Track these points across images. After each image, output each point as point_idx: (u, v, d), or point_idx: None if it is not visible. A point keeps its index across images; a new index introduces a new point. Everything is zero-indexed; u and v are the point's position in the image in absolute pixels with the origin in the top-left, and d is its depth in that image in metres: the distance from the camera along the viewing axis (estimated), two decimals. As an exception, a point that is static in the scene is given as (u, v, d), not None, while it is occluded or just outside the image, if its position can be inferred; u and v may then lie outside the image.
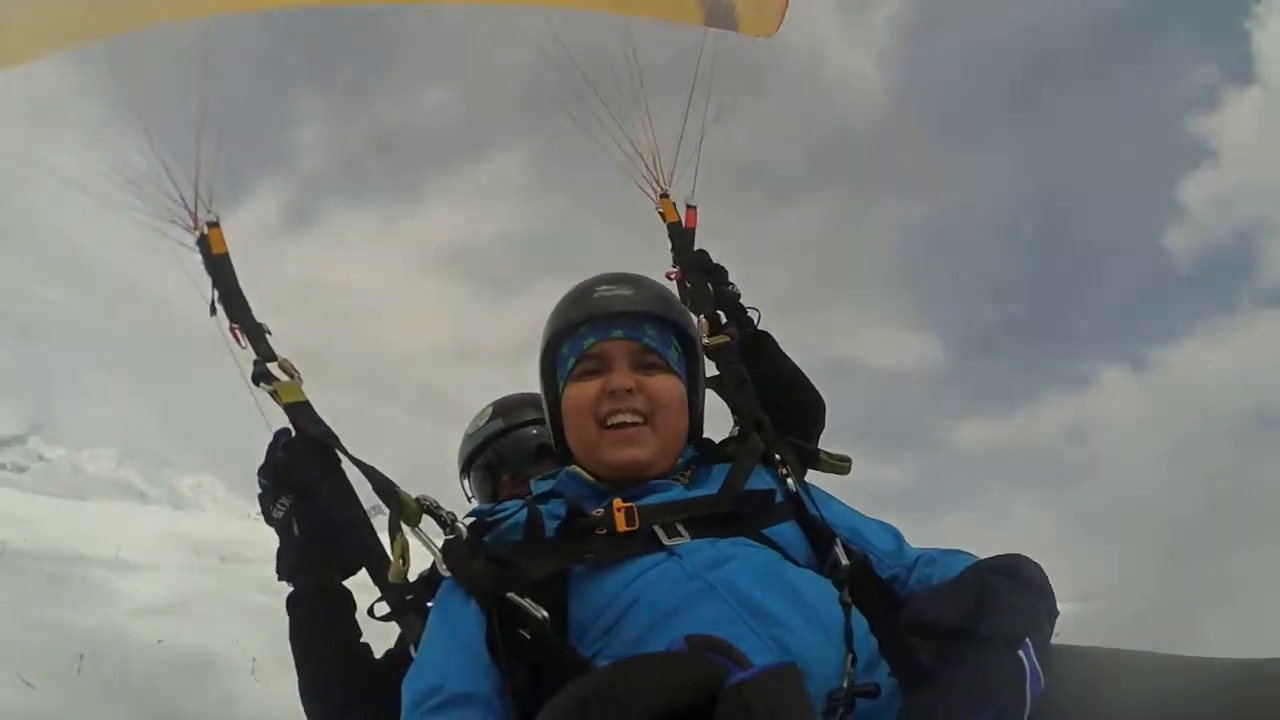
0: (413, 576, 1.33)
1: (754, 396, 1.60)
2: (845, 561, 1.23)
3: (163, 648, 4.56)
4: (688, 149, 1.84)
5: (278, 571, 1.51)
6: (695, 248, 1.88)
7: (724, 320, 1.79)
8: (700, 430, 1.54)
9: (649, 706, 0.77)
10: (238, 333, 1.41)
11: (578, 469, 1.42)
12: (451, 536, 1.25)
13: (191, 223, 1.43)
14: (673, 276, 1.84)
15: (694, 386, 1.50)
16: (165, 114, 1.37)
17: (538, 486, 1.46)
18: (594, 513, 1.26)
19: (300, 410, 1.38)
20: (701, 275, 1.83)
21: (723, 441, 1.54)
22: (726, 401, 1.62)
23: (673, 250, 1.86)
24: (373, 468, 1.38)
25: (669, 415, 1.40)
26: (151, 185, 1.39)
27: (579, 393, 1.40)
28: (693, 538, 1.23)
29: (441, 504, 1.32)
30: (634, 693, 0.79)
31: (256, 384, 1.40)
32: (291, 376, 1.39)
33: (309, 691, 1.52)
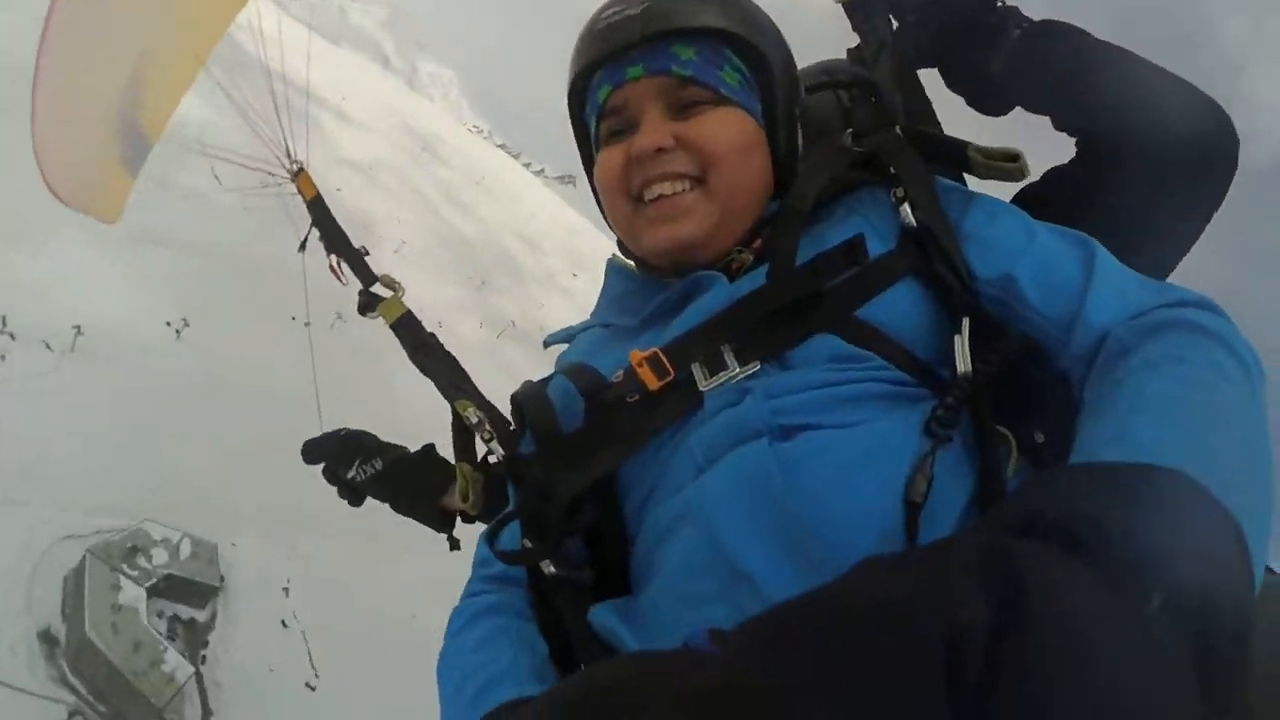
0: None
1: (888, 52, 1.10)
2: (965, 366, 0.76)
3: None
4: None
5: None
6: None
7: None
8: (793, 172, 1.02)
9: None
10: (339, 268, 1.47)
11: (617, 258, 1.08)
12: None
13: (287, 174, 1.53)
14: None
15: (773, 116, 0.99)
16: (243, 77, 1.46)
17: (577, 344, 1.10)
18: (614, 378, 0.88)
19: (404, 325, 1.39)
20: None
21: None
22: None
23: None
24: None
25: (731, 166, 0.94)
26: (247, 147, 1.49)
27: (606, 163, 0.99)
28: (743, 366, 0.83)
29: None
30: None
31: (364, 314, 1.41)
32: (394, 290, 1.42)
33: None
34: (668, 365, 0.83)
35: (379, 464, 1.30)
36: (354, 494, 1.33)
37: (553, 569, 0.86)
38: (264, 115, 1.47)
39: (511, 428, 1.03)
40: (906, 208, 0.87)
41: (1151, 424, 0.63)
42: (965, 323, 0.79)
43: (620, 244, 1.08)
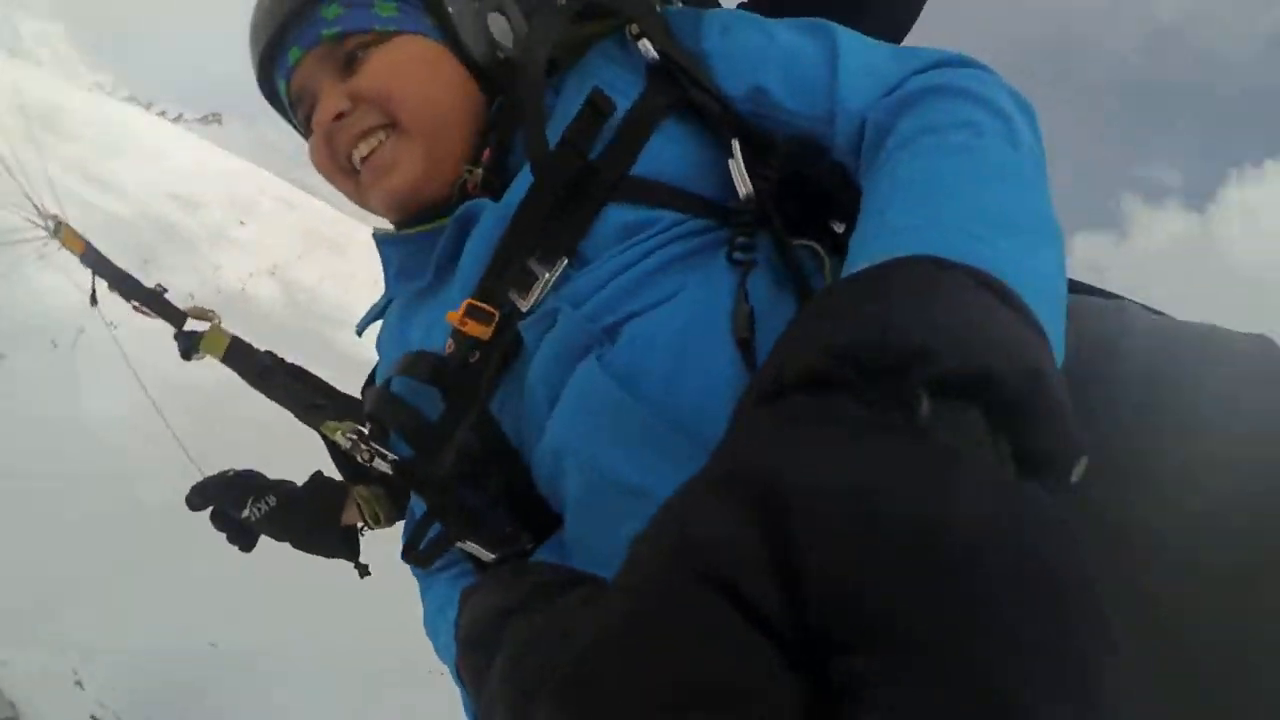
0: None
1: None
2: (746, 188, 0.74)
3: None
4: None
5: None
6: None
7: None
8: (492, 76, 0.95)
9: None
10: (142, 310, 1.39)
11: (379, 229, 1.01)
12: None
13: (46, 230, 1.45)
14: None
15: (448, 23, 0.94)
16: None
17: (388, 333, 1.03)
18: (447, 350, 0.83)
19: (234, 354, 1.30)
20: None
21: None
22: None
23: None
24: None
25: (413, 97, 0.90)
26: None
27: (311, 154, 0.97)
28: (550, 268, 0.78)
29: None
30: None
31: (188, 359, 1.32)
32: (209, 319, 1.35)
33: None
34: (487, 308, 0.79)
35: (272, 500, 1.23)
36: (246, 536, 1.27)
37: (490, 555, 0.83)
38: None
39: (370, 451, 0.95)
40: (645, 43, 0.82)
41: (903, 208, 0.59)
42: (735, 144, 0.76)
43: None
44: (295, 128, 1.03)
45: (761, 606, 0.35)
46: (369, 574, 1.30)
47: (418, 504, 0.96)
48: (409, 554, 0.88)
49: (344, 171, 0.94)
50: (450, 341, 0.82)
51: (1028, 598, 0.32)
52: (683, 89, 0.80)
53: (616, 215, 0.78)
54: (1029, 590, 0.32)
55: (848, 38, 0.80)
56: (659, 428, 0.67)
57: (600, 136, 0.80)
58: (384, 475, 0.98)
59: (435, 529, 0.87)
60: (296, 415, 1.23)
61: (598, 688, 0.36)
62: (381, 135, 0.90)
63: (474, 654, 0.66)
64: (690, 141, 0.80)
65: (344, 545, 1.26)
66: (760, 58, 0.81)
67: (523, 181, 0.82)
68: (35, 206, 1.43)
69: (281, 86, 0.96)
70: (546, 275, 0.78)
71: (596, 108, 0.80)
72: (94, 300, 1.46)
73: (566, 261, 0.79)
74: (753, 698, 0.33)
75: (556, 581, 0.65)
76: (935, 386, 0.42)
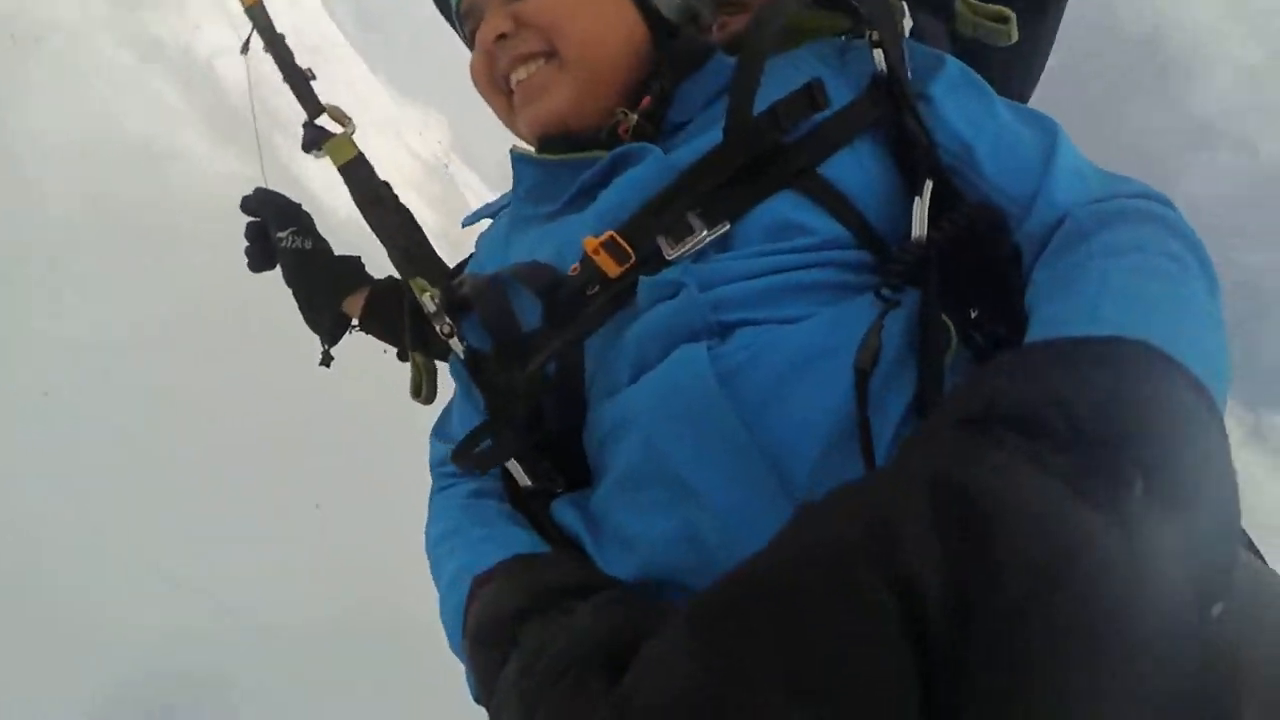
0: None
1: None
2: (921, 230, 0.72)
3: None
4: None
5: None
6: None
7: None
8: (665, 24, 0.92)
9: None
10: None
11: (518, 147, 0.99)
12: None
13: None
14: None
15: None
16: None
17: (491, 243, 1.04)
18: (570, 271, 0.80)
19: (354, 170, 1.22)
20: None
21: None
22: None
23: None
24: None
25: (577, 29, 0.88)
26: None
27: (472, 68, 0.98)
28: (710, 228, 0.75)
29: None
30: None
31: (308, 151, 1.25)
32: (344, 125, 1.25)
33: None
34: (626, 247, 0.76)
35: (309, 244, 1.24)
36: (264, 259, 1.27)
37: (528, 480, 0.84)
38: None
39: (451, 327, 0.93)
40: (879, 53, 0.79)
41: (1117, 304, 0.59)
42: (928, 185, 0.74)
43: None
44: (463, 40, 1.02)
45: (925, 621, 0.37)
46: (329, 365, 1.28)
47: (464, 407, 0.97)
48: (462, 456, 0.84)
49: (499, 90, 0.95)
50: (577, 265, 0.80)
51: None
52: (898, 110, 0.79)
53: (785, 204, 0.76)
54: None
55: (1067, 139, 0.78)
56: (739, 439, 0.66)
57: (803, 125, 0.78)
58: (441, 352, 1.00)
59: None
60: (391, 256, 1.15)
61: (749, 630, 0.40)
62: (541, 61, 0.90)
63: (485, 653, 0.69)
64: (881, 167, 0.79)
65: (331, 326, 1.26)
66: (979, 121, 0.79)
67: (700, 140, 0.81)
68: None
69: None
70: (705, 233, 0.76)
71: (812, 96, 0.78)
72: (245, 49, 1.34)
73: (729, 226, 0.77)
74: (882, 707, 0.37)
75: (571, 586, 0.68)
76: (1153, 478, 0.43)
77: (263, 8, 1.32)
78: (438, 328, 0.93)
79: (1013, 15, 0.88)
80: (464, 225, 1.12)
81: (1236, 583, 0.46)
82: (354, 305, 1.25)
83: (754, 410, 0.66)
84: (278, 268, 1.28)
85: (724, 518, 0.65)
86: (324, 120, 1.27)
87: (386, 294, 1.23)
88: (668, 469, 0.69)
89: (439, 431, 1.01)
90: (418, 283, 1.01)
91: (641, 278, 0.76)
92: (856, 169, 0.77)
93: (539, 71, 0.90)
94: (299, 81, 1.29)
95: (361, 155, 1.25)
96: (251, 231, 1.27)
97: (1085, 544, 0.39)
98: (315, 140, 1.26)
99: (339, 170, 1.25)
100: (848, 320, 0.69)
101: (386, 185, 1.26)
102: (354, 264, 1.29)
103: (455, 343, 0.91)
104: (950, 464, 0.43)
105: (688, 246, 0.76)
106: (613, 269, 0.76)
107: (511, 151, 0.98)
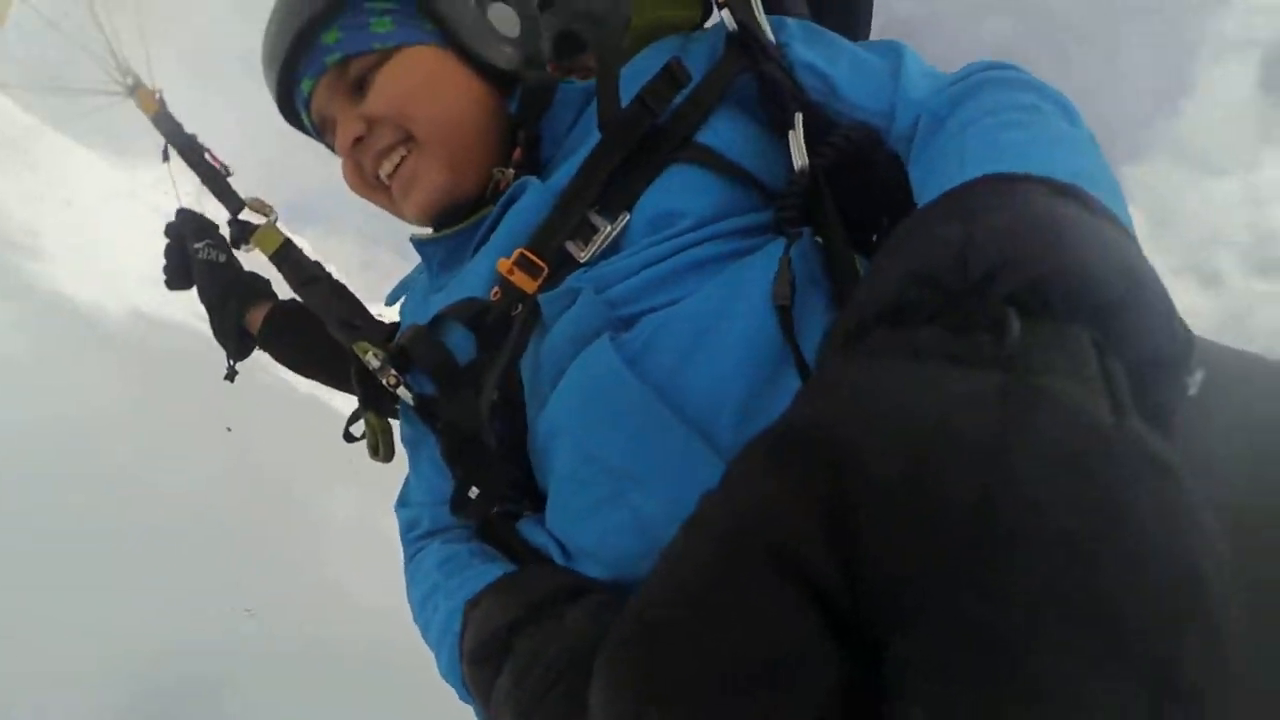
0: None
1: None
2: (802, 159, 0.73)
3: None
4: None
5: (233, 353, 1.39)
6: None
7: None
8: (506, 76, 0.96)
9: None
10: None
11: (416, 234, 1.01)
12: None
13: (121, 90, 1.32)
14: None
15: (447, 30, 0.93)
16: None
17: (410, 305, 1.06)
18: (491, 296, 0.83)
19: (285, 256, 1.25)
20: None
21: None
22: None
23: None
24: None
25: (425, 111, 0.91)
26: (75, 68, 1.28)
27: (345, 176, 0.99)
28: (613, 221, 0.78)
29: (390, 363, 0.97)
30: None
31: (236, 247, 1.29)
32: (266, 215, 1.29)
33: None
34: (538, 260, 0.79)
35: (223, 257, 1.33)
36: (183, 277, 1.35)
37: (496, 508, 0.84)
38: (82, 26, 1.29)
39: (397, 378, 0.95)
40: (727, 13, 0.83)
41: (973, 163, 0.56)
42: (799, 117, 0.76)
43: None
44: (332, 150, 1.03)
45: (820, 583, 0.33)
46: (233, 379, 1.36)
47: (420, 469, 0.98)
48: (460, 508, 0.84)
49: (376, 188, 0.97)
50: (497, 289, 0.82)
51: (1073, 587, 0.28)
52: (757, 62, 0.81)
53: (672, 181, 0.78)
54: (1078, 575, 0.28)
55: (911, 50, 0.83)
56: (657, 412, 0.66)
57: (672, 103, 0.81)
58: (392, 411, 1.02)
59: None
60: (331, 329, 1.17)
61: (656, 659, 0.36)
62: (402, 151, 0.92)
63: (481, 669, 0.68)
64: (755, 119, 0.82)
65: (236, 339, 1.34)
66: (831, 56, 0.82)
67: (575, 157, 0.83)
68: (117, 62, 1.31)
69: (306, 117, 0.99)
70: (609, 227, 0.78)
71: (674, 75, 0.80)
72: (166, 157, 1.38)
73: (629, 217, 0.78)
74: (805, 679, 0.32)
75: (562, 591, 0.68)
76: (1027, 301, 0.38)
77: (167, 114, 1.36)
78: (383, 380, 0.93)
79: None
80: (387, 304, 1.14)
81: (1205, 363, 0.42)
82: (254, 320, 1.31)
83: (666, 381, 0.67)
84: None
85: (663, 493, 0.65)
86: (246, 213, 1.30)
87: (288, 314, 1.33)
88: (601, 462, 0.69)
89: (402, 502, 1.02)
90: (360, 345, 1.00)
91: (541, 295, 0.78)
92: (731, 129, 0.80)
93: (405, 162, 0.92)
94: (216, 180, 1.32)
95: (288, 240, 1.28)
96: (170, 250, 1.36)
97: (951, 425, 0.33)
98: (241, 235, 1.29)
99: (270, 259, 1.27)
100: (749, 274, 0.69)
101: (318, 264, 1.29)
102: (262, 282, 1.37)
103: (403, 391, 0.92)
104: (805, 411, 0.39)
105: (596, 244, 0.78)
106: (529, 285, 0.79)
107: (411, 239, 1.00)
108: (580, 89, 0.92)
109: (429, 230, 0.99)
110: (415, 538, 0.96)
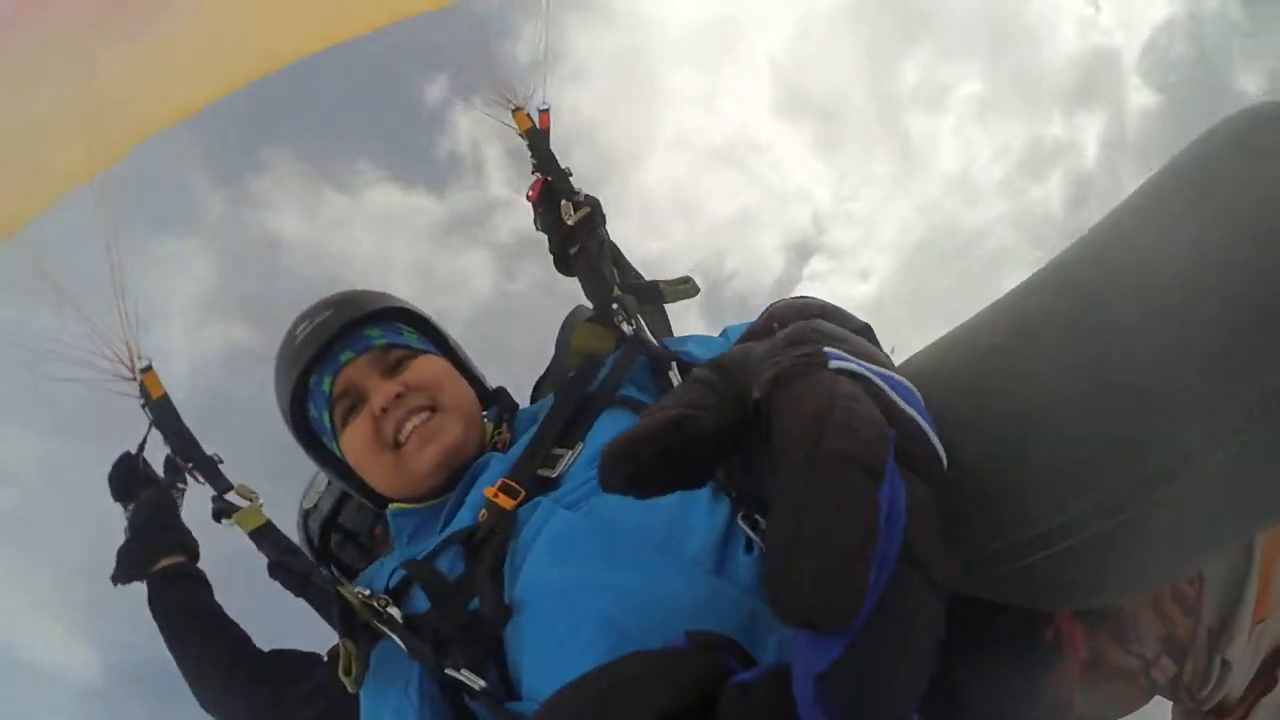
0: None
1: (614, 258, 1.57)
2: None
3: None
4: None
5: (118, 574, 1.61)
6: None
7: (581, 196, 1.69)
8: (486, 389, 1.47)
9: (646, 710, 0.68)
10: (192, 472, 1.43)
11: (398, 505, 1.29)
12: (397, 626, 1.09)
13: (129, 374, 1.45)
14: (533, 194, 1.71)
15: (450, 354, 1.45)
16: (81, 280, 1.43)
17: (384, 570, 1.26)
18: (480, 518, 1.11)
19: (263, 535, 1.36)
20: (560, 168, 1.73)
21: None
22: (584, 283, 1.56)
23: (533, 157, 1.73)
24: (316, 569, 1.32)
25: (449, 389, 1.32)
26: (82, 349, 1.40)
27: (355, 436, 1.28)
28: (570, 448, 1.17)
29: (371, 588, 1.16)
30: (629, 697, 0.70)
31: (218, 520, 1.40)
32: (250, 500, 1.39)
33: (190, 676, 1.56)
34: (516, 485, 1.11)
35: (180, 500, 1.64)
36: (127, 489, 1.63)
37: (481, 683, 0.98)
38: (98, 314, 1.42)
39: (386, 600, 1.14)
40: (626, 325, 1.37)
41: None
42: (674, 365, 1.25)
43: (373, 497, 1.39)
44: (308, 432, 1.41)
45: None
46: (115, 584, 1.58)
47: (394, 687, 1.09)
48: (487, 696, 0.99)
49: (386, 447, 1.27)
50: (484, 512, 1.11)
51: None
52: (645, 347, 1.32)
53: (609, 421, 1.18)
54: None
55: (736, 331, 1.26)
56: (608, 536, 0.97)
57: (598, 377, 1.29)
58: (368, 638, 1.15)
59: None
60: (312, 582, 1.31)
61: None
62: (427, 414, 1.27)
63: None
64: (650, 377, 1.28)
65: (138, 566, 1.58)
66: (688, 341, 1.38)
67: (527, 434, 1.23)
68: (129, 349, 1.45)
69: (327, 382, 1.30)
70: (569, 454, 1.16)
71: (595, 361, 1.34)
72: (140, 449, 1.64)
73: (583, 446, 1.16)
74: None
75: None
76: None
77: (169, 404, 1.48)
78: (375, 605, 1.11)
79: (691, 278, 1.56)
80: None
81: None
82: (160, 564, 1.56)
83: (614, 515, 0.99)
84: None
85: (631, 580, 0.92)
86: (232, 495, 1.38)
87: (190, 577, 1.60)
88: (574, 593, 0.93)
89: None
90: (345, 590, 1.17)
91: (517, 511, 1.08)
92: (638, 385, 1.26)
93: (430, 420, 1.26)
94: (208, 467, 1.41)
95: (270, 523, 1.35)
96: (126, 460, 1.65)
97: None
98: (223, 510, 1.39)
99: (249, 535, 1.35)
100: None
101: (288, 541, 1.37)
102: (191, 541, 1.62)
103: (393, 610, 1.11)
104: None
105: (562, 465, 1.14)
106: (508, 503, 1.09)
107: (389, 510, 1.30)
108: (534, 408, 1.41)
109: (406, 505, 1.29)
110: None
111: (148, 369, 1.48)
